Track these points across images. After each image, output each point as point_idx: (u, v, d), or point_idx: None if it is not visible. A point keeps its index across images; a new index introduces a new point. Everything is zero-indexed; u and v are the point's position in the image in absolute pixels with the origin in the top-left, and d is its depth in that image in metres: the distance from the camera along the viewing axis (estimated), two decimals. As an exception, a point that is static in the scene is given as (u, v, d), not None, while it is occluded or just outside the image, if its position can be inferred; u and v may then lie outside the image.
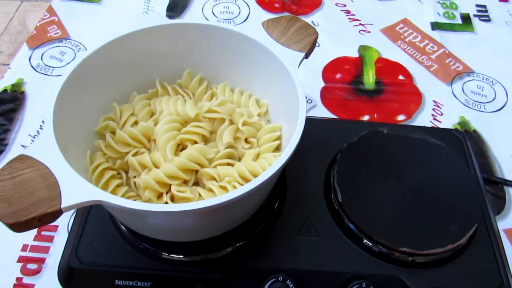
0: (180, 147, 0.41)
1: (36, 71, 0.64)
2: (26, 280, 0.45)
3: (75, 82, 0.38)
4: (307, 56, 0.41)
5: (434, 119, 0.60)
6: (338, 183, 0.43)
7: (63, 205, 0.29)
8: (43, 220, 0.29)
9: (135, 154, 0.40)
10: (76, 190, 0.30)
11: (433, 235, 0.40)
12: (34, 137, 0.57)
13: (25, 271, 0.45)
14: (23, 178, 0.30)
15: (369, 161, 0.46)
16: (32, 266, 0.46)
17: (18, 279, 0.45)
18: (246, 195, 0.30)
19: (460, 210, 0.42)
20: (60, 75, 0.64)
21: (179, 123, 0.41)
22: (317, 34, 0.42)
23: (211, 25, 0.42)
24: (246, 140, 0.42)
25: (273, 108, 0.44)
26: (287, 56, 0.40)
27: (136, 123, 0.42)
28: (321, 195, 0.45)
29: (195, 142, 0.40)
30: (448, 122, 0.60)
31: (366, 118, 0.60)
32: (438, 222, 0.41)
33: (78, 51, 0.67)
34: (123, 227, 0.41)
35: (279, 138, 0.41)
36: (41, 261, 0.46)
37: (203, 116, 0.41)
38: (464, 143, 0.51)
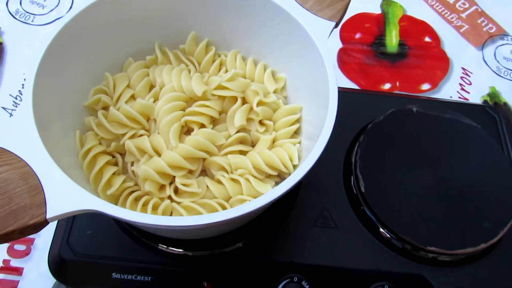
0: (185, 129, 0.35)
1: (15, 18, 0.56)
2: (14, 263, 0.41)
3: (60, 48, 0.32)
4: (337, 24, 0.34)
5: (462, 89, 0.54)
6: (360, 170, 0.39)
7: (48, 215, 0.24)
8: (25, 232, 0.24)
9: (132, 137, 0.34)
10: (64, 194, 0.25)
11: (463, 232, 0.37)
12: (16, 98, 0.50)
13: (13, 253, 0.41)
14: (-2, 180, 0.25)
15: (396, 145, 0.41)
16: (20, 247, 0.42)
17: (5, 261, 0.41)
18: (264, 206, 0.26)
19: (494, 204, 0.38)
20: (42, 25, 0.56)
21: (183, 100, 0.35)
22: (350, -5, 0.35)
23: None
24: (260, 122, 0.36)
25: (292, 84, 0.38)
26: (314, 26, 0.33)
27: (133, 97, 0.36)
28: (340, 182, 0.40)
29: (202, 124, 0.35)
30: (477, 93, 0.54)
31: (387, 86, 0.54)
32: (470, 217, 0.38)
33: (62, -5, 0.58)
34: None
35: (298, 120, 0.36)
36: (30, 241, 0.42)
37: (211, 94, 0.35)
38: (499, 122, 0.46)
